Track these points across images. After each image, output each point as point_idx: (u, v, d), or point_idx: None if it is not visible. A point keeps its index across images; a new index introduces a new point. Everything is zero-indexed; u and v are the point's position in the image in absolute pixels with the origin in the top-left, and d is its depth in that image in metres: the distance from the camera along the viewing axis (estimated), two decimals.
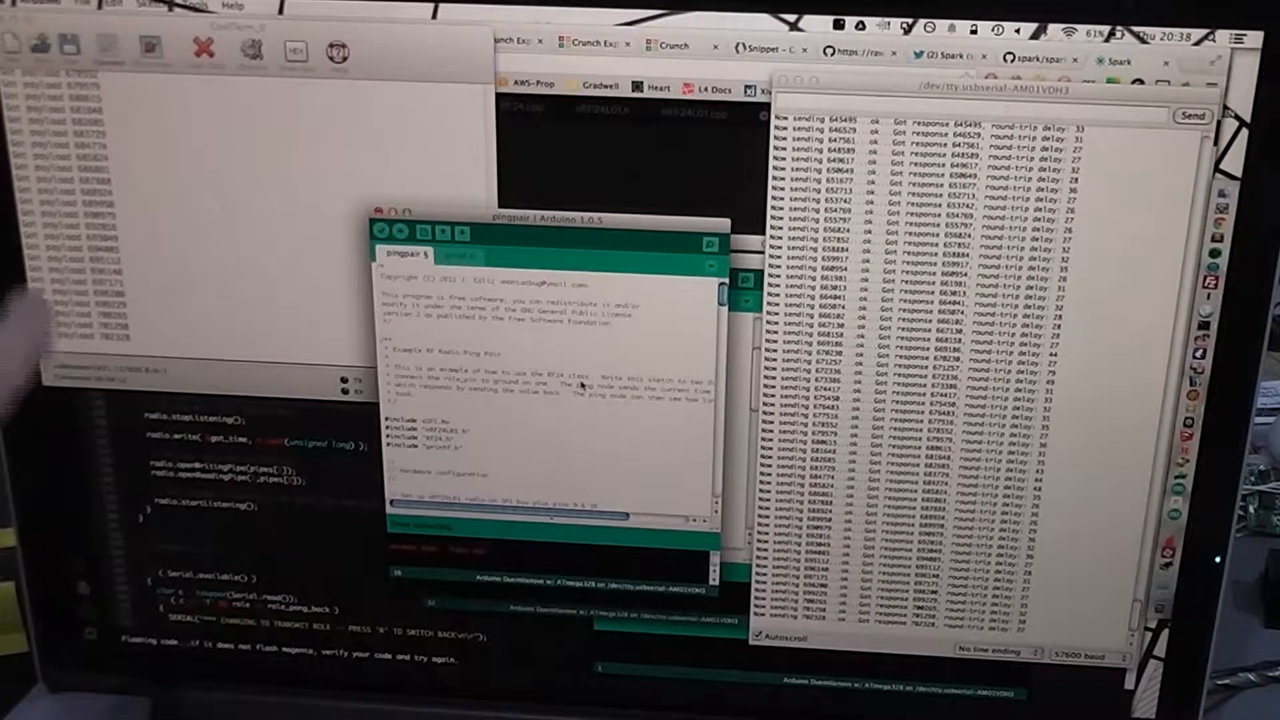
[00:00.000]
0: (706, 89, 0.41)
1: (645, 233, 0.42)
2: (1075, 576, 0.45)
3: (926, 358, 0.43)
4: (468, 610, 0.47)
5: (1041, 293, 0.42)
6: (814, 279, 0.42)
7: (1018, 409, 0.43)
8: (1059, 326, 0.42)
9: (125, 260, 0.44)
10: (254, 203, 0.43)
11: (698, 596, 0.46)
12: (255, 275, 0.44)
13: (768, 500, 0.45)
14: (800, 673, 0.47)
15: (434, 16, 0.41)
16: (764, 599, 0.46)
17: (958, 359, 0.43)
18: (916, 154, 0.41)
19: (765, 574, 0.46)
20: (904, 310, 0.42)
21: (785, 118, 0.41)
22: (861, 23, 0.40)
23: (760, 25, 0.40)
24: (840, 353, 0.43)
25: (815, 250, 0.42)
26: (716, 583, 0.46)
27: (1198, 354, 0.42)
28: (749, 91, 0.40)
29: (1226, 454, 0.43)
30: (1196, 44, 0.39)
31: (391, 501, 0.46)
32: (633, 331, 0.43)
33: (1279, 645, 0.53)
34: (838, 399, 0.43)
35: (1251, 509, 0.62)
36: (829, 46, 0.40)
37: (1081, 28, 0.39)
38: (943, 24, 0.39)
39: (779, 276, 0.42)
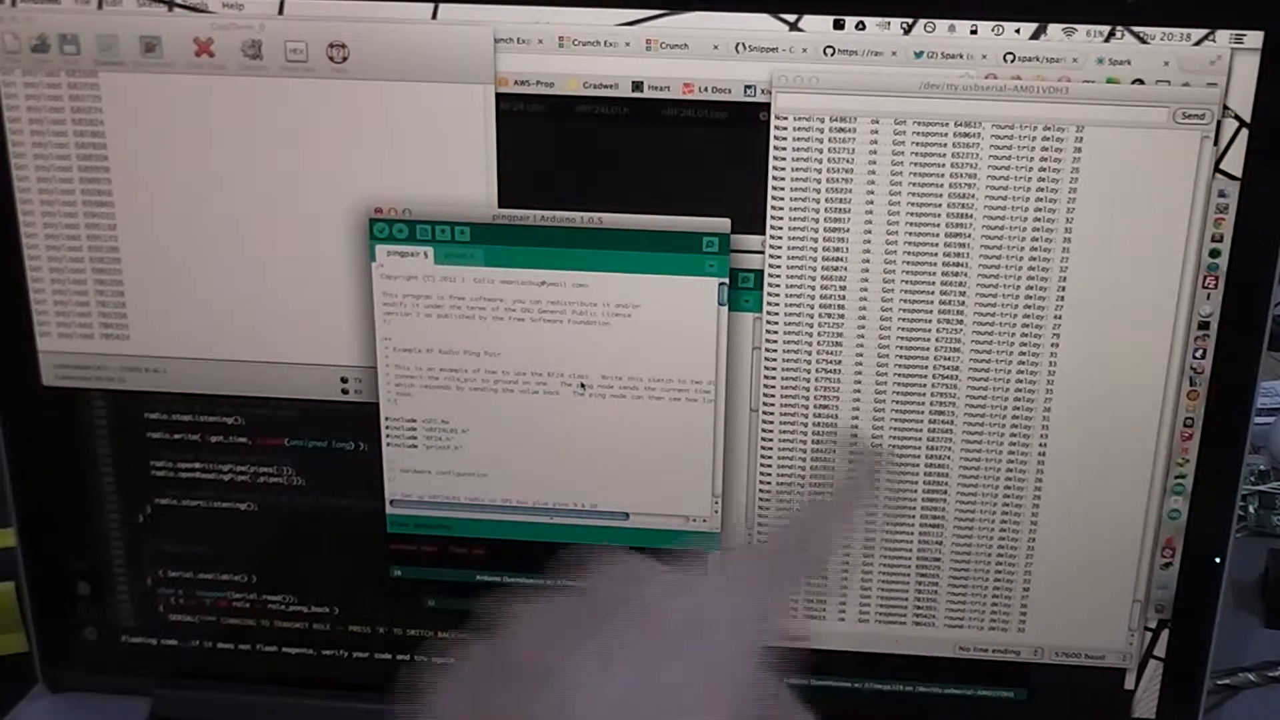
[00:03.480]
0: (706, 89, 0.41)
1: (645, 233, 0.42)
2: (1075, 576, 0.45)
3: (926, 358, 0.43)
4: (468, 610, 0.47)
5: (1041, 293, 0.42)
6: (814, 279, 0.42)
7: (1017, 409, 0.43)
8: (1059, 326, 0.42)
9: (125, 260, 0.44)
10: (254, 203, 0.43)
11: None
12: (255, 275, 0.44)
13: (768, 500, 0.45)
14: (800, 673, 0.47)
15: (434, 16, 0.40)
16: None
17: (957, 359, 0.43)
18: (916, 154, 0.41)
19: None
20: (904, 310, 0.42)
21: (785, 118, 0.41)
22: (861, 23, 0.40)
23: (760, 25, 0.40)
24: (840, 353, 0.43)
25: (815, 250, 0.42)
26: None
27: (1198, 354, 0.42)
28: (749, 91, 0.40)
29: (1226, 454, 0.43)
30: (1196, 44, 0.39)
31: (391, 501, 0.46)
32: (633, 331, 0.43)
33: (1279, 645, 0.53)
34: (838, 399, 0.43)
35: (1251, 509, 0.62)
36: (829, 46, 0.40)
37: (1081, 28, 0.39)
38: (943, 24, 0.39)
39: (779, 276, 0.42)
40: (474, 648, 0.23)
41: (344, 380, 0.45)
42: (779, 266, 0.42)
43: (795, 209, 0.42)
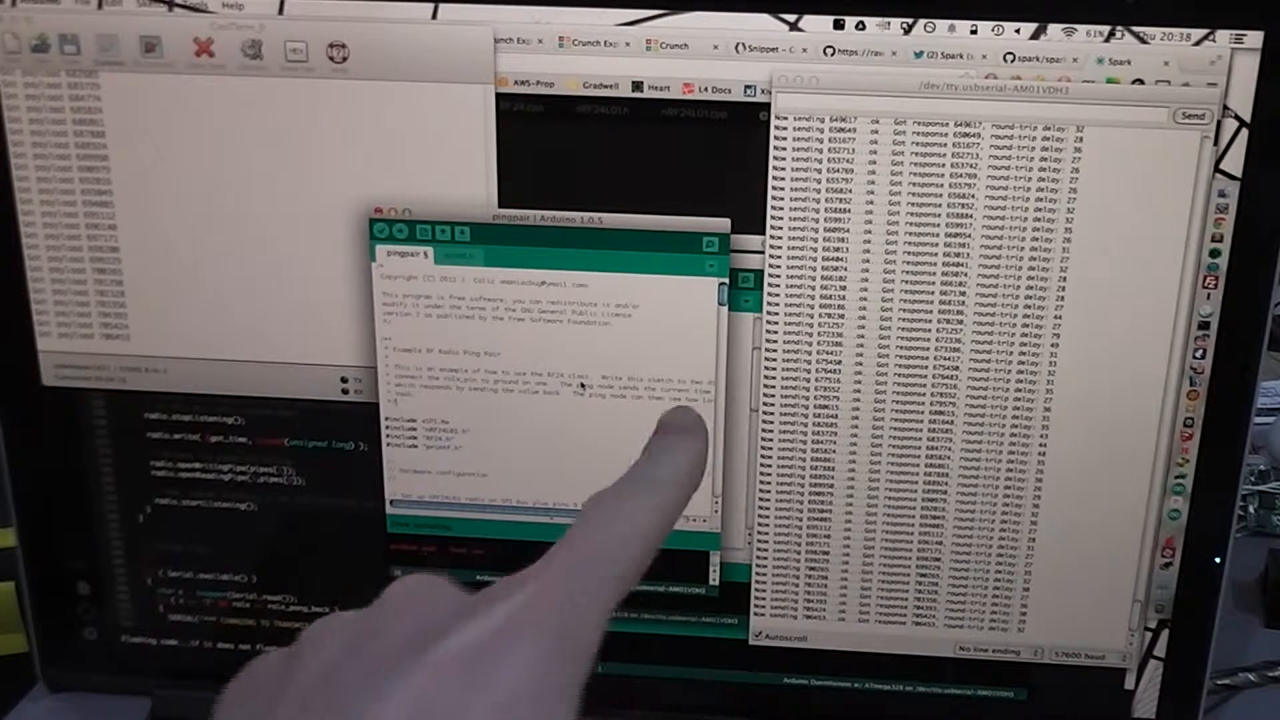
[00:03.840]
0: (706, 89, 0.41)
1: (645, 233, 0.42)
2: (1075, 576, 0.45)
3: (926, 358, 0.43)
4: None
5: (1041, 293, 0.42)
6: (814, 279, 0.42)
7: (1017, 409, 0.43)
8: (1059, 326, 0.42)
9: (125, 260, 0.44)
10: (254, 203, 0.43)
11: (698, 596, 0.46)
12: (255, 275, 0.44)
13: (768, 500, 0.45)
14: (800, 673, 0.47)
15: (434, 16, 0.40)
16: (764, 599, 0.46)
17: (958, 359, 0.43)
18: (916, 154, 0.41)
19: (765, 574, 0.46)
20: (904, 310, 0.42)
21: (785, 118, 0.41)
22: (861, 23, 0.40)
23: (760, 25, 0.40)
24: (840, 353, 0.43)
25: (815, 250, 0.42)
26: (716, 583, 0.46)
27: (1198, 354, 0.42)
28: (749, 91, 0.40)
29: (1226, 454, 0.43)
30: (1196, 44, 0.39)
31: (391, 501, 0.46)
32: (633, 331, 0.43)
33: (1279, 645, 0.53)
34: (838, 399, 0.43)
35: (1251, 509, 0.62)
36: (829, 46, 0.40)
37: (1081, 28, 0.39)
38: (943, 24, 0.39)
39: (779, 276, 0.42)
40: (261, 663, 0.22)
41: (344, 380, 0.45)
42: (779, 266, 0.42)
43: (795, 209, 0.42)
